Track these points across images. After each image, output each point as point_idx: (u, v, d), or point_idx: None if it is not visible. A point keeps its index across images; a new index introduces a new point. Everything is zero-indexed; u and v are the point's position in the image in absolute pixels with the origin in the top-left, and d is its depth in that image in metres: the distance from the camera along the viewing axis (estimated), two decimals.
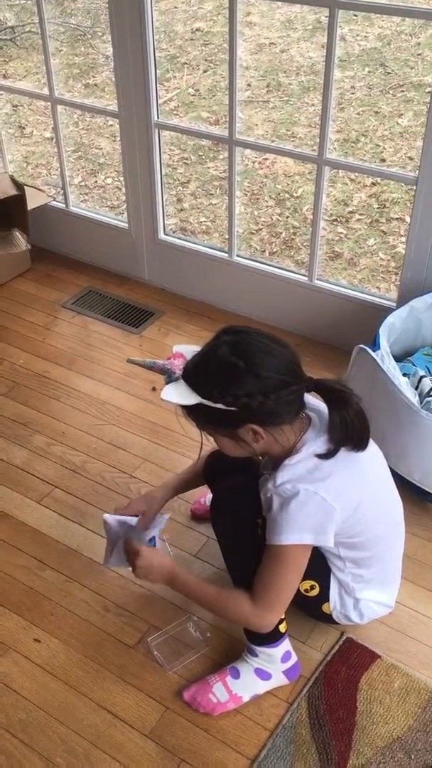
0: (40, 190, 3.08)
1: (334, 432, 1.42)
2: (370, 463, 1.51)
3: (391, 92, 4.67)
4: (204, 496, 2.09)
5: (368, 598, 1.64)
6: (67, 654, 1.77)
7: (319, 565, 1.58)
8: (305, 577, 1.58)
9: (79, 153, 4.33)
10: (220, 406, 1.37)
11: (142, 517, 1.75)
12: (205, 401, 1.38)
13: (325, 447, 1.43)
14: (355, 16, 5.29)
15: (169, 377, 1.44)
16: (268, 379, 1.37)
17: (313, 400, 1.49)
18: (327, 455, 1.42)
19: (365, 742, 1.60)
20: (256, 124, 4.45)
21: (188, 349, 1.49)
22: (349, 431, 1.42)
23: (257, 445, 1.45)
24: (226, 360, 1.37)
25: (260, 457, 1.60)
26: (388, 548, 1.64)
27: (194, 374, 1.42)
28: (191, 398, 1.39)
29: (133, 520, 1.73)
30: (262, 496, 1.50)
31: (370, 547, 1.57)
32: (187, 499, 2.11)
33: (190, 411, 1.44)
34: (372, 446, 1.51)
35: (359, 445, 1.44)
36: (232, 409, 1.37)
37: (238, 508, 1.59)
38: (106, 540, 1.76)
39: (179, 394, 1.40)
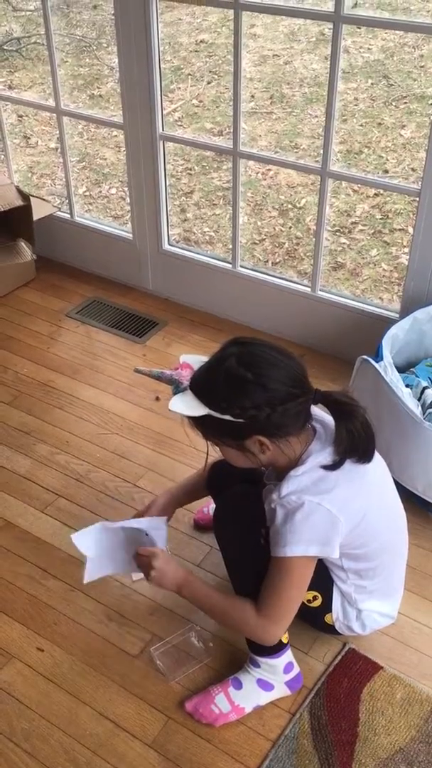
0: (45, 200, 3.10)
1: (340, 444, 1.43)
2: (375, 474, 1.52)
3: (394, 104, 4.69)
4: (207, 505, 2.09)
5: (371, 608, 1.64)
6: (70, 663, 1.78)
7: (321, 576, 1.58)
8: (308, 588, 1.59)
9: (84, 163, 4.36)
10: (227, 417, 1.38)
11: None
12: (212, 413, 1.39)
13: (331, 458, 1.43)
14: (359, 28, 5.33)
15: (177, 388, 1.45)
16: (275, 391, 1.37)
17: (318, 411, 1.50)
18: (332, 467, 1.42)
19: (367, 753, 1.60)
20: (260, 135, 4.47)
21: (195, 359, 1.50)
22: (355, 443, 1.43)
23: (264, 456, 1.45)
24: (234, 372, 1.38)
25: (264, 468, 1.61)
26: (391, 559, 1.64)
27: (202, 385, 1.42)
28: (199, 409, 1.40)
29: (134, 523, 1.70)
30: (266, 507, 1.50)
31: (373, 558, 1.57)
32: (190, 509, 2.11)
33: (197, 422, 1.44)
34: (377, 457, 1.51)
35: (365, 457, 1.45)
36: (240, 420, 1.38)
37: (242, 517, 1.60)
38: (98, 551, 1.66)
39: (187, 405, 1.41)
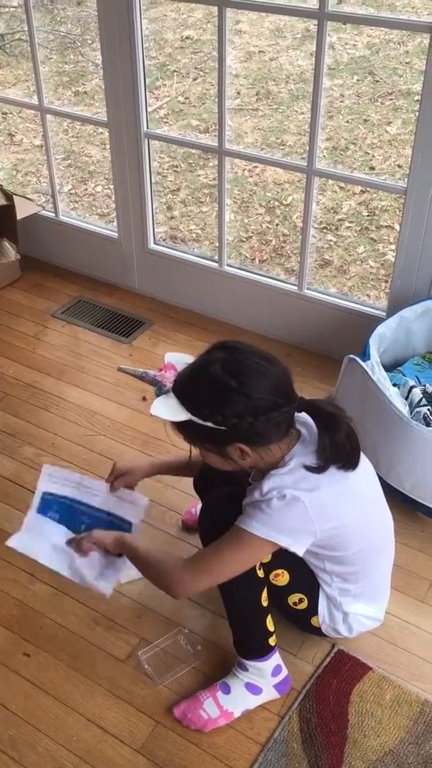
0: (29, 199, 3.07)
1: (322, 452, 1.42)
2: (359, 479, 1.50)
3: (379, 100, 4.69)
4: (195, 506, 2.08)
5: (356, 611, 1.63)
6: (56, 668, 1.76)
7: (307, 579, 1.58)
8: (294, 590, 1.58)
9: (69, 161, 4.32)
10: (209, 424, 1.37)
11: (121, 478, 1.76)
12: (194, 418, 1.38)
13: (314, 460, 1.43)
14: (344, 25, 5.31)
15: (159, 389, 1.43)
16: (259, 400, 1.36)
17: (302, 413, 1.48)
18: (316, 469, 1.42)
19: (357, 756, 1.59)
20: (246, 132, 4.45)
21: (180, 359, 1.48)
22: (339, 453, 1.42)
23: (244, 462, 1.45)
24: (219, 378, 1.36)
25: (248, 470, 1.60)
26: (375, 563, 1.63)
27: (185, 390, 1.41)
28: (181, 414, 1.38)
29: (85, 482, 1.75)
30: (244, 503, 1.48)
31: (356, 562, 1.56)
32: (178, 510, 2.10)
33: (179, 426, 1.43)
34: (363, 462, 1.50)
35: (348, 465, 1.44)
36: (222, 428, 1.37)
37: (226, 518, 1.58)
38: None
39: (169, 410, 1.39)
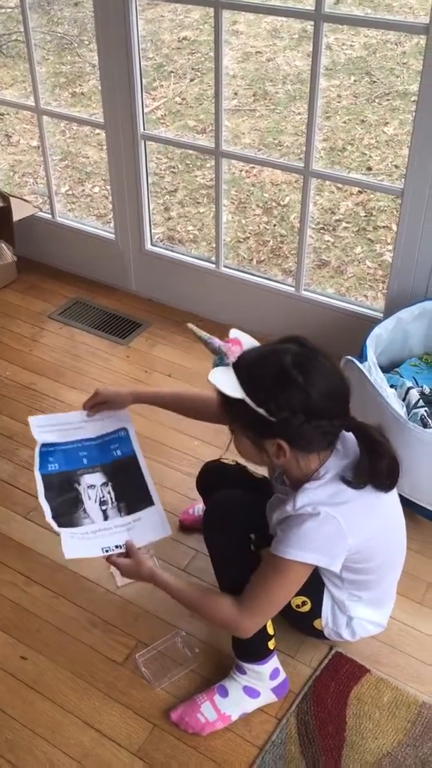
0: (25, 201, 3.06)
1: (359, 475, 1.41)
2: (388, 497, 1.49)
3: (376, 101, 4.69)
4: (192, 506, 2.08)
5: (362, 616, 1.62)
6: (54, 671, 1.75)
7: (311, 582, 1.56)
8: (297, 593, 1.57)
9: (66, 162, 4.32)
10: (261, 410, 1.34)
11: (101, 405, 1.75)
12: (248, 400, 1.35)
13: (347, 473, 1.42)
14: (341, 25, 5.31)
15: (221, 359, 1.40)
16: (317, 402, 1.34)
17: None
18: (352, 484, 1.41)
19: (355, 758, 1.59)
20: (243, 133, 4.45)
21: (246, 339, 1.46)
22: (374, 479, 1.41)
23: (277, 460, 1.42)
24: (287, 369, 1.34)
25: (275, 469, 1.58)
26: (388, 572, 1.62)
27: (248, 370, 1.37)
28: (237, 391, 1.35)
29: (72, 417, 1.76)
30: (275, 518, 1.47)
31: (373, 572, 1.56)
32: (174, 512, 2.09)
33: (227, 402, 1.39)
34: None
35: (383, 489, 1.44)
36: (272, 418, 1.34)
37: (231, 521, 1.58)
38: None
39: (227, 383, 1.36)
